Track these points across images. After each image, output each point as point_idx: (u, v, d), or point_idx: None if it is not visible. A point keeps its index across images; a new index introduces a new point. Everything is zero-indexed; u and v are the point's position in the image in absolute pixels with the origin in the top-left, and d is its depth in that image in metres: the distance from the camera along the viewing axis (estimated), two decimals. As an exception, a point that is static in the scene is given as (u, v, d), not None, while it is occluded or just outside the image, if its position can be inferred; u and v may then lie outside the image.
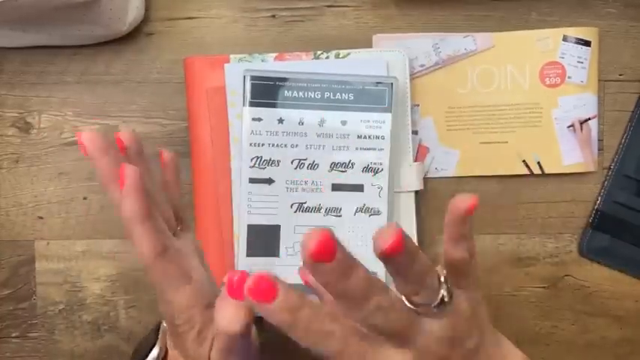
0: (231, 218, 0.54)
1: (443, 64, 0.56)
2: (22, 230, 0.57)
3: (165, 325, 0.42)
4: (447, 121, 0.57)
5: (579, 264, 0.58)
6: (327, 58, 0.55)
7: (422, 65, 0.56)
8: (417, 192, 0.55)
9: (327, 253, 0.28)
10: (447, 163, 0.57)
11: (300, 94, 0.53)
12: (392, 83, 0.53)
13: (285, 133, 0.53)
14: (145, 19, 0.56)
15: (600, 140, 0.57)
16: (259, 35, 0.57)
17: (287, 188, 0.53)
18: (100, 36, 0.54)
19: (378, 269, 0.53)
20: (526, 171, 0.57)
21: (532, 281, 0.58)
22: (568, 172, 0.57)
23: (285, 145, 0.53)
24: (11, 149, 0.57)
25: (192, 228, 0.48)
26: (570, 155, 0.56)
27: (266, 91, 0.53)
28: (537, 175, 0.57)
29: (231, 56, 0.55)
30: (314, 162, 0.53)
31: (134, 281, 0.57)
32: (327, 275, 0.29)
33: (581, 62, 0.56)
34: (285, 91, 0.53)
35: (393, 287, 0.32)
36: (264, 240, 0.53)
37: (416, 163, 0.55)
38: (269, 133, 0.53)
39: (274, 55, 0.55)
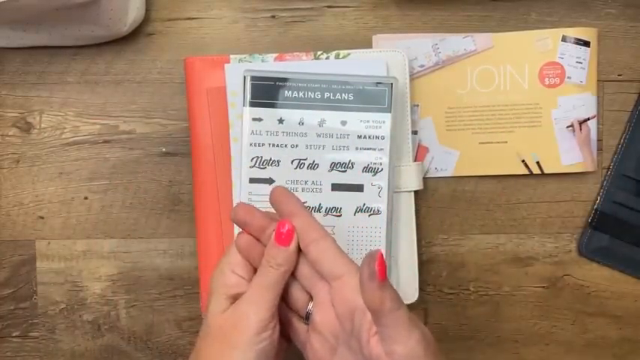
0: (232, 218, 0.54)
1: (442, 65, 0.56)
2: (22, 230, 0.57)
3: None
4: (447, 121, 0.57)
5: (579, 264, 0.58)
6: (327, 58, 0.55)
7: (421, 65, 0.56)
8: (416, 192, 0.55)
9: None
10: (446, 163, 0.57)
11: (300, 94, 0.53)
12: (392, 83, 0.53)
13: (285, 133, 0.53)
14: (146, 20, 0.56)
15: (599, 140, 0.57)
16: (259, 35, 0.57)
17: (287, 188, 0.53)
18: (101, 36, 0.54)
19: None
20: (525, 171, 0.57)
21: (531, 281, 0.58)
22: (567, 172, 0.57)
23: (285, 145, 0.53)
24: (12, 149, 0.57)
25: None
26: (569, 155, 0.56)
27: (266, 92, 0.53)
28: (537, 175, 0.57)
29: (232, 56, 0.55)
30: (314, 162, 0.53)
31: (135, 281, 0.58)
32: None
33: (581, 62, 0.56)
34: (285, 92, 0.53)
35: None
36: (264, 240, 0.53)
37: (415, 163, 0.55)
38: (269, 133, 0.53)
39: (274, 55, 0.55)
